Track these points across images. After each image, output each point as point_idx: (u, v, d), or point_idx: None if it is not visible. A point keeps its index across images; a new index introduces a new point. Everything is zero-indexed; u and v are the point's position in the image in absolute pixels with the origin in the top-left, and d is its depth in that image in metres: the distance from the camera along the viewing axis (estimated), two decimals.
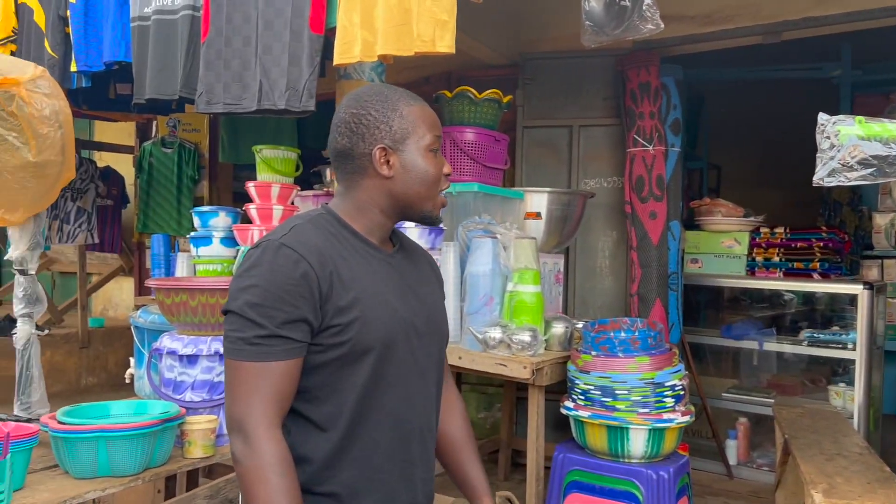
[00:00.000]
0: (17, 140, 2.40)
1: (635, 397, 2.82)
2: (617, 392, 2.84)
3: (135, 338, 2.92)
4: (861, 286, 3.96)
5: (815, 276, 4.23)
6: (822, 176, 2.08)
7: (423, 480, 1.41)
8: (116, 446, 1.84)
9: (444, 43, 2.45)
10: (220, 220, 3.50)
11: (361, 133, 1.35)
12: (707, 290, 4.79)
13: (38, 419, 2.13)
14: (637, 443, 2.83)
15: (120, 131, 6.50)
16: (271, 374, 1.24)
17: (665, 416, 2.83)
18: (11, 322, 5.33)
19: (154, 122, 5.82)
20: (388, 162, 1.36)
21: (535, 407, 2.93)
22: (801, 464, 2.52)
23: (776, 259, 4.37)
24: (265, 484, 1.20)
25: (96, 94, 3.84)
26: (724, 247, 4.50)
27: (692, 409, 2.99)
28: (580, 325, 3.26)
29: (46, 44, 3.39)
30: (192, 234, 3.56)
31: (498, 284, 3.12)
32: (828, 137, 2.08)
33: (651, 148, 4.04)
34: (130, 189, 6.03)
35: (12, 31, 3.50)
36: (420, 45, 2.47)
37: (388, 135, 1.35)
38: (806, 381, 4.60)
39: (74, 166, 2.67)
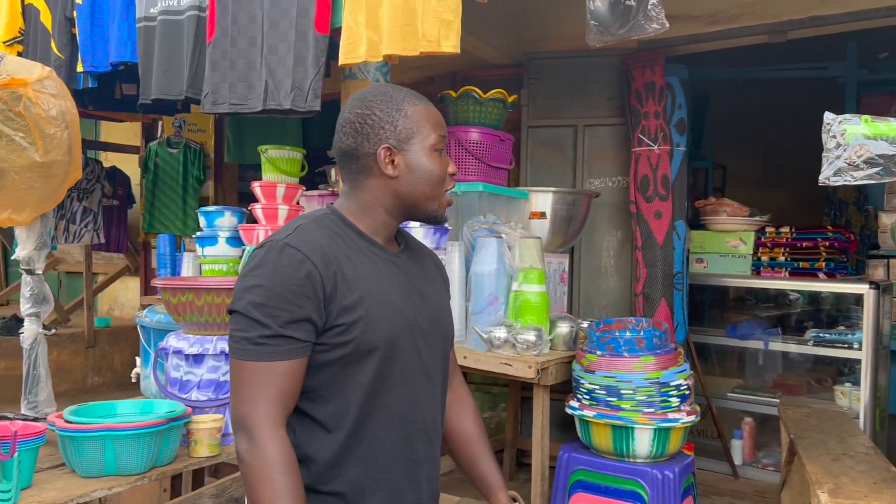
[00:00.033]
0: (24, 140, 2.41)
1: (640, 397, 2.82)
2: (622, 392, 2.84)
3: (141, 337, 2.93)
4: (867, 286, 3.95)
5: (821, 275, 4.22)
6: (827, 175, 2.08)
7: (429, 479, 1.41)
8: (123, 445, 1.85)
9: (449, 43, 2.45)
10: (226, 220, 3.51)
11: (366, 133, 1.36)
12: (712, 290, 4.78)
13: (45, 418, 2.14)
14: (642, 442, 2.83)
15: (126, 131, 6.52)
16: (275, 373, 1.25)
17: (670, 415, 2.82)
18: (18, 321, 5.37)
19: (160, 123, 5.83)
20: (392, 162, 1.36)
21: (540, 406, 2.93)
22: (807, 464, 2.52)
23: (782, 259, 4.36)
24: (269, 482, 1.21)
25: (102, 94, 3.86)
26: (729, 246, 4.50)
27: (697, 408, 2.98)
28: (585, 324, 3.26)
29: (53, 44, 3.40)
30: (198, 233, 3.57)
31: (503, 284, 3.12)
32: (834, 136, 2.07)
33: (656, 147, 4.04)
34: (136, 189, 6.04)
35: (19, 32, 3.51)
36: (425, 45, 2.47)
37: (392, 135, 1.36)
38: (811, 381, 4.59)
39: (81, 166, 2.69)
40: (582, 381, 2.95)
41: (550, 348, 3.10)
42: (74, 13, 3.32)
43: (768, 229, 4.46)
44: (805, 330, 4.39)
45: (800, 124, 4.52)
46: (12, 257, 2.91)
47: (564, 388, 3.15)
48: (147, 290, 6.10)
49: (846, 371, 4.29)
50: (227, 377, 2.20)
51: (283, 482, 1.21)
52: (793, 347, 4.37)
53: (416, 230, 3.03)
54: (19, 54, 3.47)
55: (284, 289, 1.24)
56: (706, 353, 4.68)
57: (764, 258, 4.41)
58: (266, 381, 1.24)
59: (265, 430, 1.23)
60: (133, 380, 2.93)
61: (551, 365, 2.93)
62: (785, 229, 4.40)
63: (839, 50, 5.24)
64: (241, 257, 3.44)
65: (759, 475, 4.25)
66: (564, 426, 3.59)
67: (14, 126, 2.40)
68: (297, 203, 3.43)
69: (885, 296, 4.13)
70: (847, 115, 2.11)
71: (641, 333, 2.95)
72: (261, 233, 3.23)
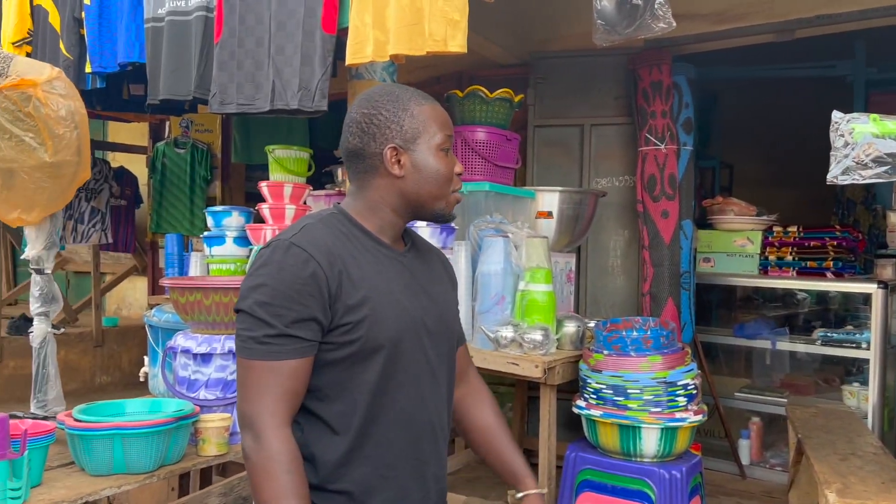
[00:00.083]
0: (33, 140, 2.43)
1: (647, 396, 2.82)
2: (629, 391, 2.84)
3: (149, 336, 2.94)
4: (875, 285, 3.93)
5: (829, 275, 4.20)
6: (835, 174, 2.07)
7: (436, 478, 1.42)
8: (132, 444, 1.85)
9: (456, 42, 2.45)
10: (234, 220, 3.52)
11: (372, 133, 1.36)
12: (719, 290, 4.77)
13: (54, 417, 2.15)
14: (649, 442, 2.83)
15: (133, 132, 6.54)
16: (281, 372, 1.25)
17: (677, 415, 2.82)
18: (27, 321, 5.39)
19: (167, 123, 5.86)
20: (399, 161, 1.37)
21: (547, 406, 2.93)
22: (815, 463, 2.51)
23: (789, 258, 4.34)
24: (273, 480, 1.22)
25: (110, 94, 3.88)
26: (736, 246, 4.48)
27: (704, 408, 2.98)
28: (592, 324, 3.26)
29: (61, 45, 3.42)
30: (206, 233, 3.58)
31: (509, 283, 3.12)
32: (842, 135, 2.07)
33: (663, 147, 4.03)
34: (144, 189, 6.07)
35: (28, 33, 3.53)
36: (432, 45, 2.47)
37: (398, 134, 1.36)
38: (819, 381, 4.57)
39: (90, 166, 2.70)
40: (589, 381, 2.95)
41: (557, 348, 3.10)
42: (83, 14, 3.33)
43: (776, 228, 4.44)
44: (813, 329, 4.37)
45: (807, 123, 4.51)
46: (22, 257, 2.93)
47: (571, 388, 3.15)
48: (155, 289, 6.13)
49: (854, 371, 4.27)
50: (235, 376, 2.21)
51: (287, 480, 1.22)
52: (800, 347, 4.36)
53: (423, 229, 3.03)
54: (28, 55, 3.49)
55: (290, 288, 1.25)
56: (713, 353, 4.67)
57: (771, 257, 4.39)
58: (271, 380, 1.25)
59: (270, 428, 1.24)
60: (141, 379, 2.94)
61: (558, 364, 2.93)
62: (793, 228, 4.39)
63: (847, 48, 5.21)
64: (248, 257, 3.44)
65: (767, 475, 4.23)
66: (571, 426, 3.59)
67: (23, 126, 2.41)
68: (304, 203, 3.43)
69: (894, 295, 4.11)
70: (855, 114, 2.10)
71: (648, 333, 2.94)
72: (268, 232, 3.24)
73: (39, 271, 2.75)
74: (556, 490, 2.99)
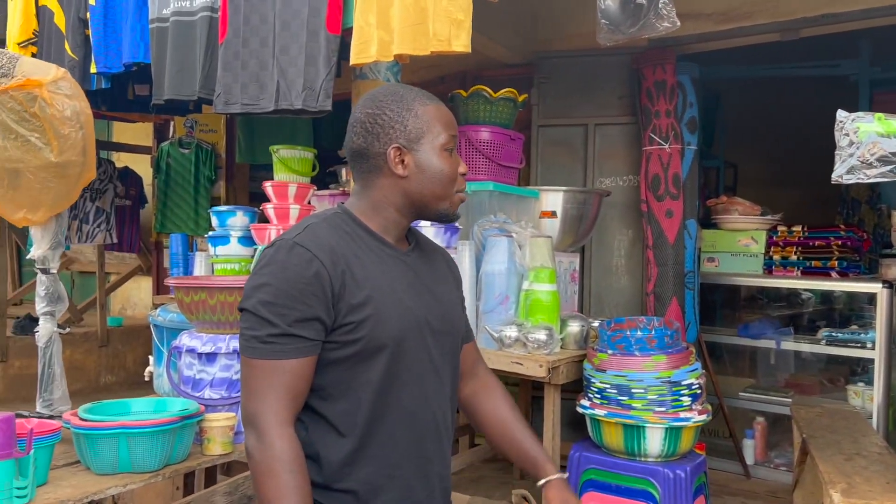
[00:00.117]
0: (39, 141, 2.44)
1: (652, 396, 2.82)
2: (633, 391, 2.83)
3: (154, 336, 2.95)
4: (880, 285, 3.93)
5: (834, 274, 4.19)
6: (840, 173, 2.07)
7: (440, 477, 1.42)
8: (137, 443, 1.86)
9: (460, 42, 2.45)
10: (238, 220, 3.53)
11: (377, 133, 1.37)
12: (724, 289, 4.76)
13: (60, 416, 2.16)
14: (653, 441, 2.83)
15: (138, 132, 6.55)
16: (284, 371, 1.26)
17: (682, 414, 2.82)
18: (32, 321, 5.41)
19: (171, 123, 5.86)
20: (402, 161, 1.37)
21: (551, 405, 2.93)
22: (820, 463, 2.50)
23: (794, 257, 4.33)
24: (275, 479, 1.22)
25: (115, 95, 3.89)
26: (741, 245, 4.48)
27: (709, 407, 2.98)
28: (596, 323, 3.26)
29: (67, 46, 3.43)
30: (210, 233, 3.59)
31: (513, 283, 3.12)
32: (847, 134, 2.06)
33: (667, 146, 4.03)
34: (148, 189, 6.08)
35: (33, 34, 3.54)
36: (436, 45, 2.47)
37: (402, 134, 1.36)
38: (824, 381, 4.57)
39: (95, 166, 2.71)
40: (593, 380, 2.95)
41: (561, 347, 3.10)
42: (88, 15, 3.34)
43: (780, 228, 4.44)
44: (817, 329, 4.37)
45: (812, 122, 4.49)
46: (27, 257, 2.93)
47: (575, 388, 3.15)
48: (159, 289, 6.13)
49: (859, 370, 4.27)
50: (240, 376, 2.22)
51: (290, 479, 1.23)
52: (805, 347, 4.35)
53: (427, 229, 3.04)
54: (33, 55, 3.50)
55: (293, 287, 1.25)
56: (718, 353, 4.66)
57: (776, 257, 4.39)
58: (274, 379, 1.26)
59: (273, 427, 1.24)
60: (146, 378, 2.95)
61: (562, 364, 2.93)
62: (797, 228, 4.38)
63: (852, 48, 5.20)
64: (253, 256, 3.45)
65: (772, 475, 4.23)
66: (575, 425, 3.59)
67: (29, 127, 2.42)
68: (309, 202, 3.44)
69: None
70: (860, 113, 2.10)
71: (653, 332, 2.94)
72: (272, 232, 3.24)
73: (45, 271, 2.75)
74: None
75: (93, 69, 3.38)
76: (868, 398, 3.95)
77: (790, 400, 4.16)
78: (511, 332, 2.98)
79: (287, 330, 1.25)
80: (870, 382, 3.96)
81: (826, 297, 4.81)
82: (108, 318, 6.41)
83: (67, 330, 2.92)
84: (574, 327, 3.18)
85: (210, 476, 2.90)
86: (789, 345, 4.37)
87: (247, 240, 3.48)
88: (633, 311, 4.23)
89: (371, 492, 1.32)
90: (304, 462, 1.27)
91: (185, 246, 4.10)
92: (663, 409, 2.81)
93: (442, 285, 1.49)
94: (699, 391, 2.91)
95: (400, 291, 1.35)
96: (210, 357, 2.22)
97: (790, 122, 6.98)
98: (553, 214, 3.63)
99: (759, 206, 4.59)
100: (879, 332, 3.89)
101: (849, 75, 5.33)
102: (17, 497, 1.65)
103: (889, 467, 2.46)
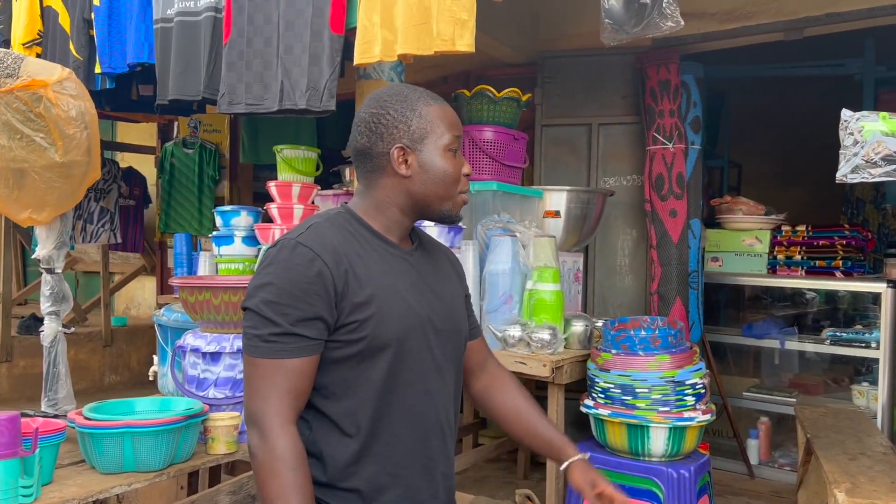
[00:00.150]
0: (44, 141, 2.44)
1: (655, 396, 2.82)
2: (637, 390, 2.83)
3: (158, 336, 2.96)
4: (885, 284, 3.92)
5: (838, 274, 4.18)
6: (845, 172, 2.07)
7: (444, 475, 1.42)
8: (142, 442, 1.86)
9: (464, 42, 2.46)
10: (242, 220, 3.54)
11: (380, 133, 1.37)
12: (728, 289, 4.76)
13: (65, 415, 2.16)
14: (657, 441, 2.83)
15: (142, 132, 6.57)
16: (286, 371, 1.26)
17: (685, 414, 2.82)
18: (37, 321, 5.42)
19: (175, 123, 5.88)
20: (406, 161, 1.37)
21: (555, 405, 2.93)
22: (824, 463, 2.50)
23: (798, 257, 4.33)
24: (277, 478, 1.23)
25: (119, 95, 3.89)
26: (745, 245, 4.47)
27: (713, 407, 2.97)
28: (600, 323, 3.26)
29: (71, 46, 3.44)
30: (214, 233, 3.60)
31: (517, 283, 3.12)
32: (851, 134, 2.06)
33: (671, 146, 4.02)
34: (152, 189, 6.09)
35: (38, 34, 3.55)
36: (440, 45, 2.48)
37: (406, 134, 1.36)
38: (828, 381, 4.56)
39: (100, 166, 2.72)
40: (597, 380, 2.95)
41: (565, 347, 3.10)
42: (92, 15, 3.35)
43: (784, 228, 4.43)
44: (822, 329, 4.36)
45: (816, 122, 4.49)
46: (32, 256, 2.95)
47: (579, 387, 3.15)
48: (163, 289, 6.14)
49: (863, 370, 4.26)
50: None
51: (292, 478, 1.23)
52: (809, 347, 4.34)
53: (430, 228, 3.04)
54: (38, 56, 3.51)
55: (295, 287, 1.26)
56: (722, 353, 4.66)
57: (780, 257, 4.38)
58: (277, 379, 1.26)
59: (276, 426, 1.25)
60: (151, 378, 2.96)
61: (566, 363, 2.93)
62: (801, 228, 4.37)
63: (856, 47, 5.19)
64: (256, 256, 3.46)
65: (776, 475, 4.22)
66: (579, 425, 3.59)
67: (34, 127, 2.43)
68: (312, 202, 3.45)
69: None
70: (865, 112, 2.09)
71: (657, 332, 2.94)
72: (276, 232, 3.25)
73: (50, 271, 2.76)
74: (563, 489, 2.99)
75: (97, 69, 3.39)
76: (872, 398, 3.94)
77: (794, 400, 4.16)
78: (515, 331, 2.98)
79: (289, 329, 1.26)
80: (874, 382, 3.96)
81: (830, 296, 4.80)
82: (113, 317, 6.43)
83: (72, 330, 2.93)
84: (578, 327, 3.18)
85: (214, 475, 2.91)
86: (793, 345, 4.37)
87: (250, 239, 3.49)
88: (637, 310, 4.23)
89: (375, 491, 1.32)
90: (307, 461, 1.28)
91: (188, 246, 4.12)
92: (667, 408, 2.81)
93: (445, 284, 1.49)
94: (703, 391, 2.91)
95: (403, 291, 1.36)
96: (214, 356, 2.23)
97: (794, 121, 6.97)
98: (557, 214, 3.63)
99: (764, 205, 4.58)
100: (884, 332, 3.88)
101: (853, 74, 5.32)
102: (23, 496, 1.66)
103: (894, 467, 2.46)
